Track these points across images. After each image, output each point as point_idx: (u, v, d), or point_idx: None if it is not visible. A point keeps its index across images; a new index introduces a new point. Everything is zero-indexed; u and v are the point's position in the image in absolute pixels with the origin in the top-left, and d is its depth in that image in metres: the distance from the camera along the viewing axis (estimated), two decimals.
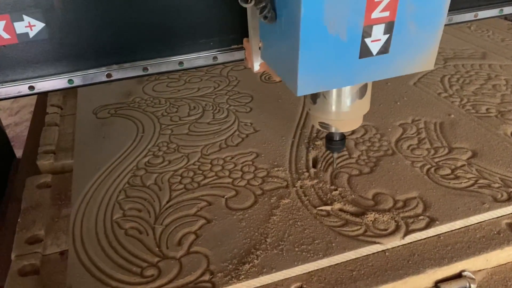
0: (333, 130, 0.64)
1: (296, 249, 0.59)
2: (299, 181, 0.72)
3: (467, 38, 1.27)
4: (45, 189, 0.75)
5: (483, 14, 0.70)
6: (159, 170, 0.76)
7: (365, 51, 0.47)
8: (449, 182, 0.70)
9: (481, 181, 0.70)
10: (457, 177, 0.71)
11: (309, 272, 0.57)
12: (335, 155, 0.74)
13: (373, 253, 0.60)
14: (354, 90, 0.59)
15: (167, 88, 1.07)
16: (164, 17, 0.57)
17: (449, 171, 0.73)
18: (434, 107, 0.92)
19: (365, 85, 0.61)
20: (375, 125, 0.86)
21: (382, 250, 0.60)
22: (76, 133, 0.90)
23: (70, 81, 0.58)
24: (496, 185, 0.69)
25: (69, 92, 1.10)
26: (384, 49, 0.47)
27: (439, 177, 0.71)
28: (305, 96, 0.65)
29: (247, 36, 0.60)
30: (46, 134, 0.91)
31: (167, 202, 0.69)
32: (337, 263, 0.58)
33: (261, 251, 0.59)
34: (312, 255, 0.58)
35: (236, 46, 0.62)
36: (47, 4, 0.51)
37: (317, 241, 0.60)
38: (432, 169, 0.73)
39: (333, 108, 0.61)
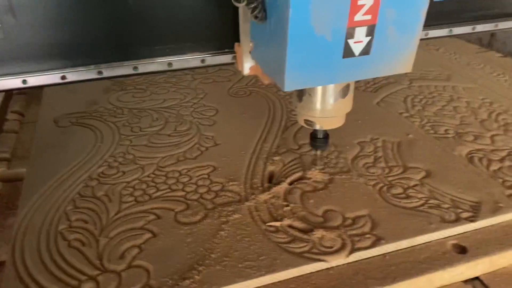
0: (317, 127, 0.67)
1: (240, 265, 0.59)
2: (252, 196, 0.72)
3: (435, 60, 1.30)
4: None
5: (433, 33, 0.72)
6: (112, 181, 0.75)
7: (348, 51, 0.49)
8: (400, 201, 0.71)
9: (431, 201, 0.71)
10: (408, 197, 0.72)
11: None
12: (319, 152, 0.77)
13: (317, 271, 0.59)
14: (337, 89, 0.62)
15: (132, 99, 1.07)
16: (121, 22, 0.57)
17: (401, 190, 0.73)
18: (394, 126, 0.93)
19: (348, 85, 0.63)
20: (334, 142, 0.87)
21: (327, 268, 0.60)
22: (34, 141, 0.88)
23: (24, 81, 0.58)
24: (446, 205, 0.70)
25: (33, 99, 1.09)
26: (366, 51, 0.50)
27: (391, 196, 0.72)
28: (292, 95, 0.67)
29: (205, 43, 0.62)
30: (2, 141, 0.89)
31: (116, 214, 0.68)
32: (280, 281, 0.58)
33: (204, 267, 0.58)
34: (255, 271, 0.58)
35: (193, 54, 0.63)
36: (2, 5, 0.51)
37: (262, 257, 0.60)
38: (385, 188, 0.74)
39: (318, 105, 0.63)
